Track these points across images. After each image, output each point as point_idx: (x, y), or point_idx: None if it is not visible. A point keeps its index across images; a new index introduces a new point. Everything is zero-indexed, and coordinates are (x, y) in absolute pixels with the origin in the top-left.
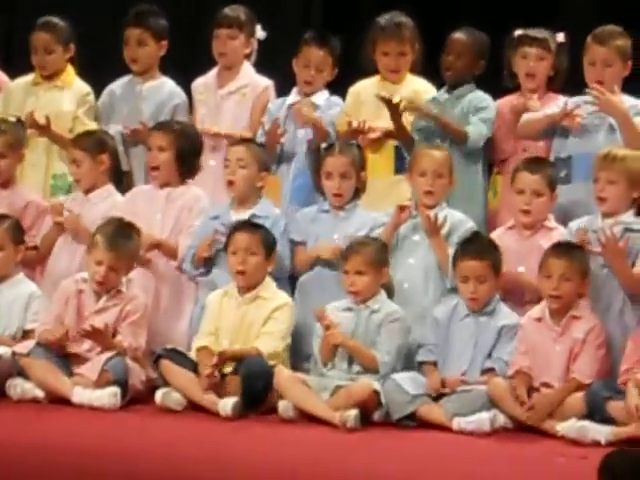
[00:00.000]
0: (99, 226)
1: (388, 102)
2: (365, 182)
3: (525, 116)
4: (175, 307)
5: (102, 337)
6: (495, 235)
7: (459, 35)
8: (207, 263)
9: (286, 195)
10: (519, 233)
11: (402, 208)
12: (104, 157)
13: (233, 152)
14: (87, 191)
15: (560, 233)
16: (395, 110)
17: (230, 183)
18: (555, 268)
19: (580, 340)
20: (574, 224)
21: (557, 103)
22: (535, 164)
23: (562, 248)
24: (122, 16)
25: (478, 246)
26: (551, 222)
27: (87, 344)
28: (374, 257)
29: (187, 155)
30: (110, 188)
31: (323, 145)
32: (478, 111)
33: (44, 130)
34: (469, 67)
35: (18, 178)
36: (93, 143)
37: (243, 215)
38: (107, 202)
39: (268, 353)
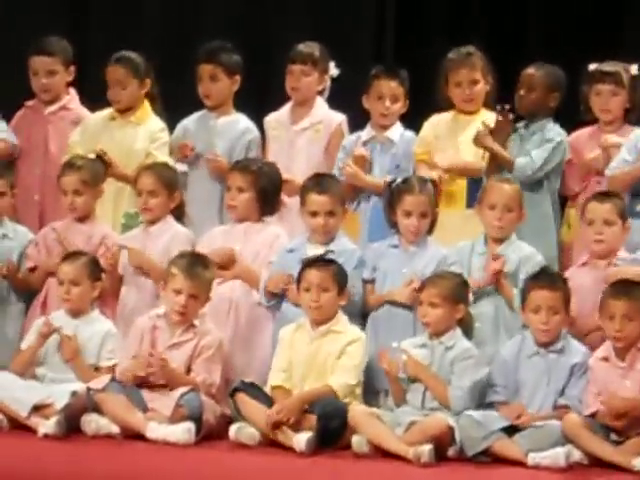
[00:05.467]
0: (172, 259)
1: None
2: (437, 218)
3: (614, 172)
4: (252, 338)
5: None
6: (568, 274)
7: (529, 70)
8: (277, 297)
9: (364, 231)
10: (592, 268)
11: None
12: (178, 194)
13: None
14: (150, 223)
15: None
16: (502, 129)
17: (324, 228)
18: (616, 309)
19: None
20: None
21: (632, 140)
22: (604, 195)
23: (621, 288)
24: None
25: (550, 277)
26: (622, 253)
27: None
28: (450, 291)
29: (267, 194)
30: (170, 219)
31: (398, 180)
32: (542, 144)
33: (111, 169)
34: (541, 100)
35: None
36: (172, 179)
37: (318, 250)
38: (168, 234)
39: (342, 388)
